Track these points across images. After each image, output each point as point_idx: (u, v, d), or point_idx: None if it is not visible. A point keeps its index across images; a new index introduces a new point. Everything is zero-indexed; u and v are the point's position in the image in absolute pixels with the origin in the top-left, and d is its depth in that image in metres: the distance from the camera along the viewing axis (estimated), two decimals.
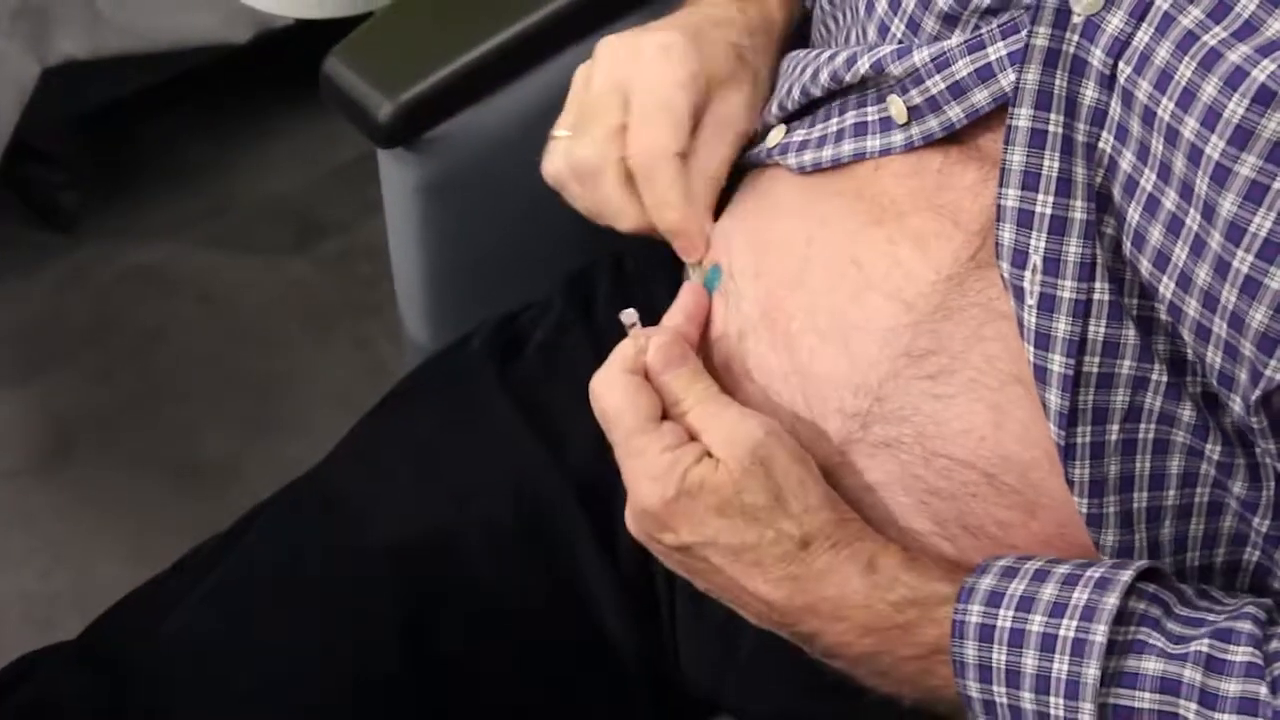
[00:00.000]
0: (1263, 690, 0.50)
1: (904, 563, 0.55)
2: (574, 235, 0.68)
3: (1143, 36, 0.51)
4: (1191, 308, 0.52)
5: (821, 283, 0.59)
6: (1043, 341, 0.54)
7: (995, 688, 0.52)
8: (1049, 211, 0.53)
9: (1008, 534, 0.57)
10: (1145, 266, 0.53)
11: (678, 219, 0.63)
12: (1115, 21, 0.52)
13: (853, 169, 0.60)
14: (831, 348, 0.58)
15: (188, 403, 1.30)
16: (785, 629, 0.57)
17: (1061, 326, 0.53)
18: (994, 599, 0.53)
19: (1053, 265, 0.53)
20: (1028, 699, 0.52)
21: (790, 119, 0.65)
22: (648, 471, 0.56)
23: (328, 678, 0.65)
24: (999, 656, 0.52)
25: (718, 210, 0.65)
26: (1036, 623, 0.52)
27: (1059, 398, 0.54)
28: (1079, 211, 0.53)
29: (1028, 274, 0.54)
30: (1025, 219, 0.54)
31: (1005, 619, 0.52)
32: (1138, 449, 0.55)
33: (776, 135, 0.64)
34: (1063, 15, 0.52)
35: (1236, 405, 0.52)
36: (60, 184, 1.38)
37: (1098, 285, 0.53)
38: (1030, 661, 0.52)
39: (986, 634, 0.53)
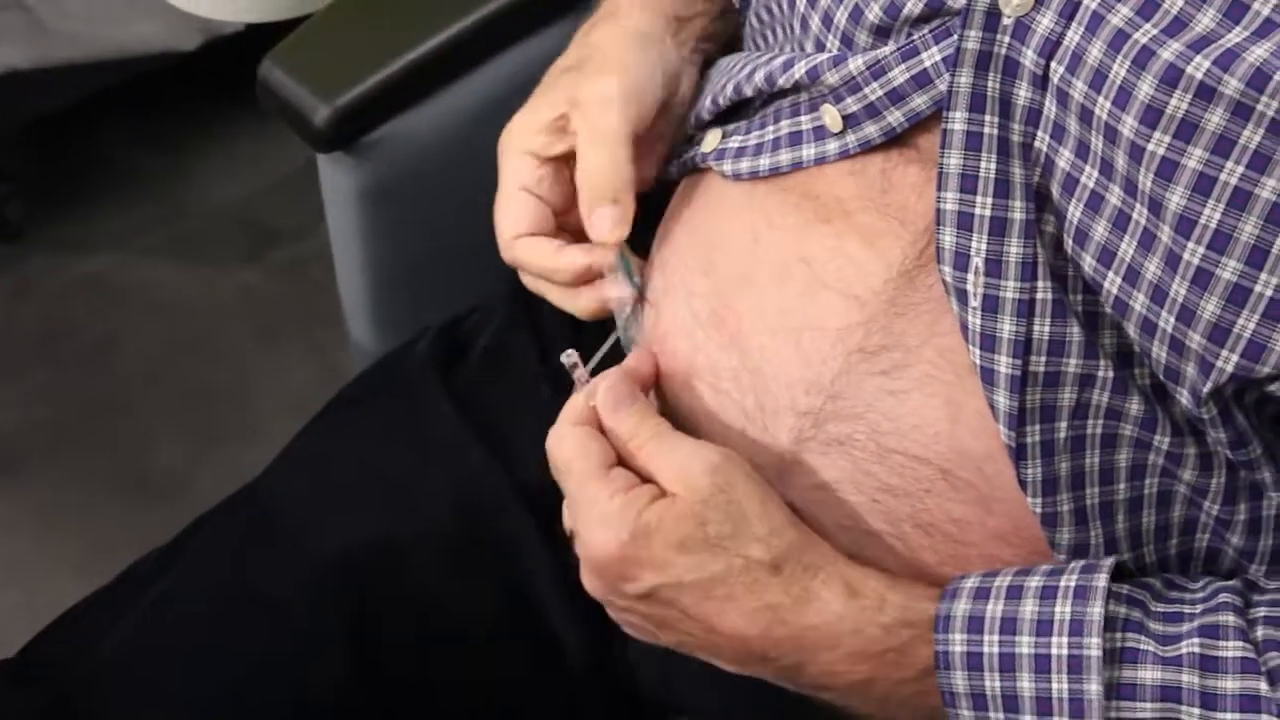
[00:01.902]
0: (1263, 686, 0.50)
1: (887, 583, 0.55)
2: None
3: (1073, 36, 0.51)
4: (1139, 302, 0.52)
5: (771, 281, 0.59)
6: (988, 343, 0.54)
7: (992, 714, 0.52)
8: (989, 213, 0.53)
9: (963, 531, 0.57)
10: (1089, 263, 0.53)
11: (568, 276, 0.63)
12: (1045, 22, 0.52)
13: (793, 171, 0.60)
14: (783, 346, 0.58)
15: (139, 414, 1.29)
16: (768, 667, 0.55)
17: (1006, 327, 0.53)
18: (974, 625, 0.53)
19: (995, 266, 0.53)
20: None
21: (724, 119, 0.65)
22: (600, 518, 0.55)
23: (272, 692, 0.64)
24: (992, 684, 0.52)
25: (658, 212, 0.65)
26: (1025, 644, 0.52)
27: (1007, 399, 0.53)
28: (1018, 212, 0.53)
29: (970, 276, 0.54)
30: (965, 221, 0.54)
31: (991, 644, 0.52)
32: (1086, 445, 0.55)
33: (712, 140, 0.64)
34: (992, 18, 0.52)
35: (1184, 398, 0.53)
36: (4, 195, 1.37)
37: (1040, 284, 0.53)
38: (1027, 685, 0.51)
39: (975, 662, 0.52)
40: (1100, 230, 0.52)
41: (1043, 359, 0.53)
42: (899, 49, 0.56)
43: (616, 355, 0.63)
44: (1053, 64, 0.52)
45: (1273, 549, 0.57)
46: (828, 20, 0.58)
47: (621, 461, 0.57)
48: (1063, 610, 0.52)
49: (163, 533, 0.71)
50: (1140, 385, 0.54)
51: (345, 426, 0.72)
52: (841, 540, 0.58)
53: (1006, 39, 0.52)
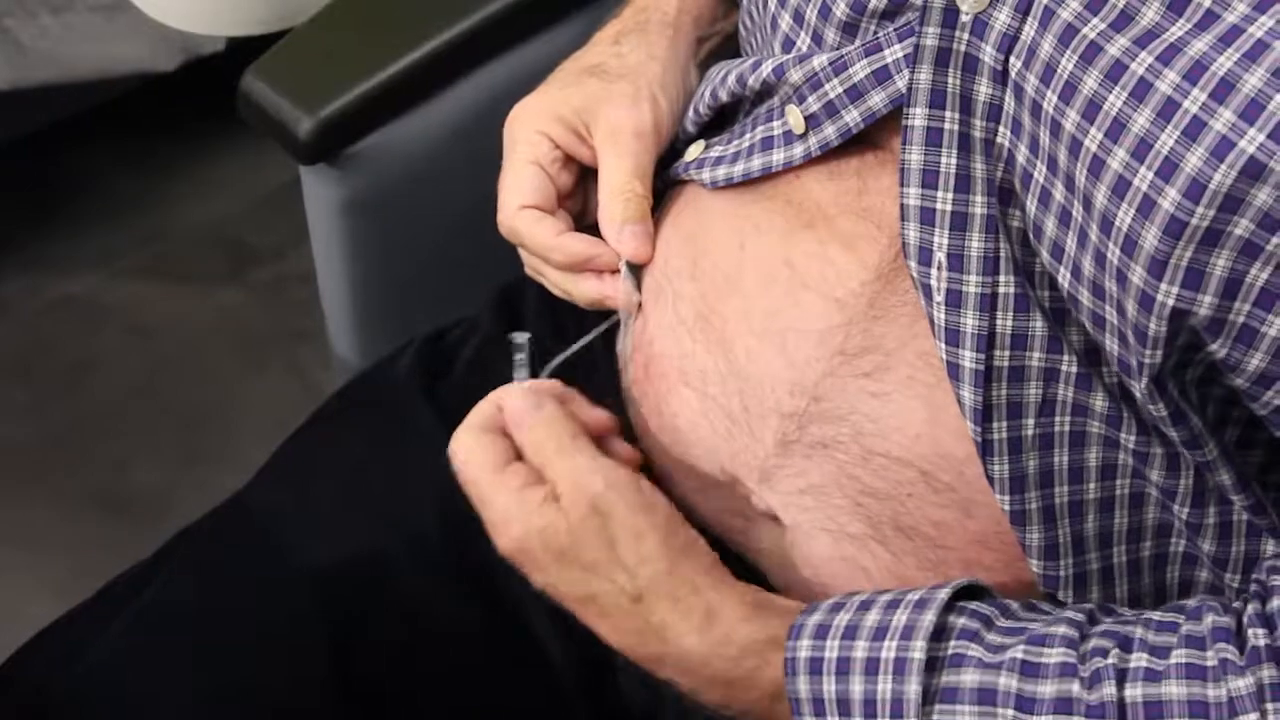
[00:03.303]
0: (1075, 686, 0.50)
1: (743, 616, 0.55)
2: (501, 249, 0.68)
3: (1029, 31, 0.52)
4: (1085, 297, 0.52)
5: (756, 284, 0.59)
6: (953, 338, 0.54)
7: (829, 719, 0.53)
8: (949, 208, 0.54)
9: (943, 534, 0.57)
10: (1045, 258, 0.53)
11: (563, 259, 0.64)
12: (1002, 18, 0.52)
13: (775, 177, 0.60)
14: (768, 348, 0.58)
15: (118, 436, 1.28)
16: (655, 671, 0.57)
17: (969, 322, 0.54)
18: (821, 631, 0.53)
19: (957, 261, 0.54)
20: None
21: (706, 130, 0.65)
22: (501, 515, 0.57)
23: (255, 707, 0.64)
24: (829, 687, 0.53)
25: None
26: (860, 648, 0.52)
27: (972, 393, 0.54)
28: (979, 206, 0.54)
29: (934, 271, 0.54)
30: (928, 216, 0.54)
31: (832, 649, 0.53)
32: (1054, 443, 0.55)
33: (695, 150, 0.65)
34: (951, 14, 0.53)
35: (1138, 393, 0.53)
36: None
37: (1002, 279, 0.54)
38: (857, 687, 0.52)
39: (816, 666, 0.53)
40: (1050, 226, 0.53)
41: (1006, 353, 0.54)
42: (863, 45, 0.56)
43: (594, 358, 0.64)
44: (1011, 59, 0.52)
45: (1245, 555, 0.57)
46: (798, 17, 0.59)
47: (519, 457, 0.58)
48: (900, 618, 0.52)
49: (142, 554, 0.71)
50: (1107, 382, 0.54)
51: (329, 439, 0.72)
52: (824, 543, 0.58)
53: (966, 35, 0.53)
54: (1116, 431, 0.55)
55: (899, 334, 0.56)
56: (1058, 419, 0.55)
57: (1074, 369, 0.54)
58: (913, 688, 0.51)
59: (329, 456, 0.71)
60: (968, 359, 0.54)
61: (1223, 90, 0.47)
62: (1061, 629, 0.52)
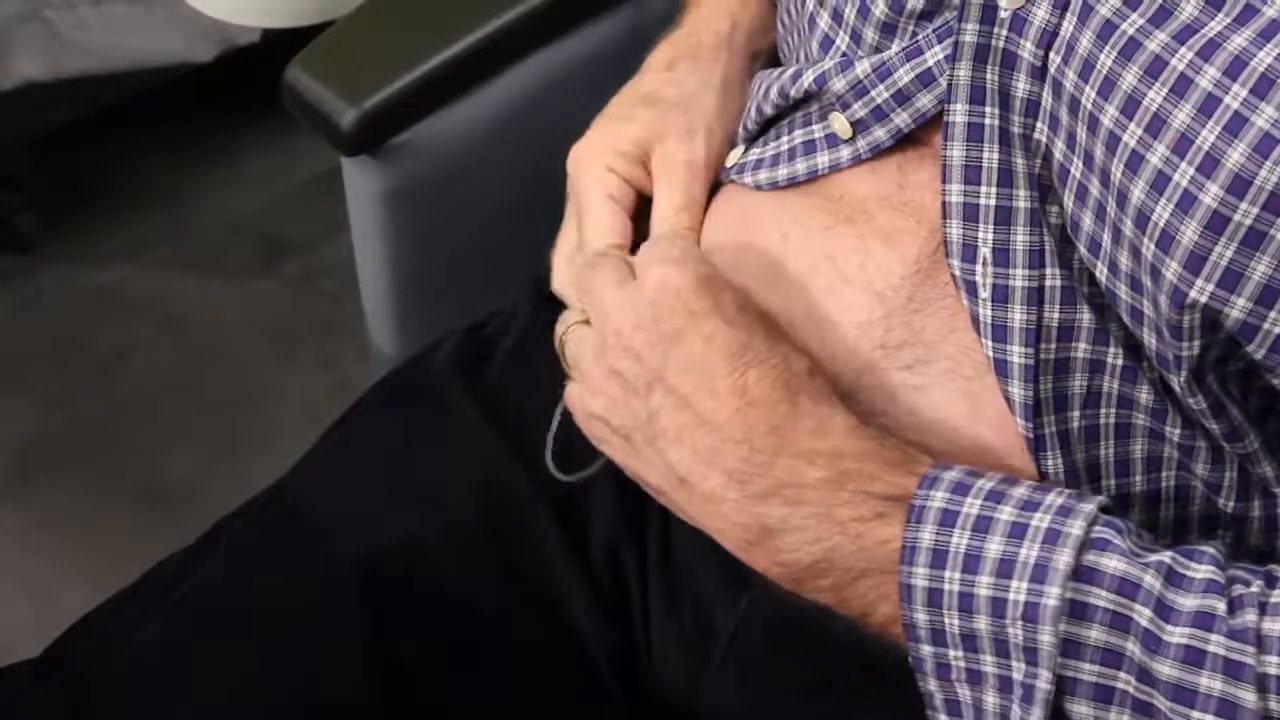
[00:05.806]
0: (1221, 606, 0.49)
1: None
2: (541, 240, 0.68)
3: (1068, 27, 0.52)
4: (1123, 292, 0.52)
5: (796, 278, 0.59)
6: (1000, 334, 0.54)
7: (948, 573, 0.50)
8: (993, 203, 0.54)
9: None
10: (1083, 253, 0.53)
11: None
12: (1041, 14, 0.52)
13: (812, 179, 0.61)
14: (809, 341, 0.58)
15: (151, 426, 1.29)
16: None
17: (1017, 316, 0.54)
18: (960, 489, 0.51)
19: (1002, 255, 0.54)
20: (985, 583, 0.49)
21: (752, 140, 0.66)
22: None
23: (294, 693, 0.64)
24: (959, 540, 0.50)
25: None
26: (1007, 513, 0.50)
27: (1021, 389, 0.54)
28: (1023, 200, 0.54)
29: (978, 267, 0.54)
30: (971, 212, 0.54)
31: (972, 506, 0.50)
32: (1100, 435, 0.55)
33: (735, 155, 0.65)
34: (989, 10, 0.53)
35: (1177, 386, 0.53)
36: (17, 206, 1.37)
37: (1048, 271, 0.54)
38: (995, 546, 0.49)
39: (949, 519, 0.50)
40: (1087, 221, 0.53)
41: (1053, 345, 0.54)
42: (903, 49, 0.56)
43: None
44: (1050, 54, 0.52)
45: None
46: (837, 16, 0.59)
47: None
48: (1053, 499, 0.50)
49: (175, 544, 0.71)
50: (1150, 377, 0.54)
51: (370, 428, 0.72)
52: None
53: (1004, 32, 0.53)
54: (1161, 424, 0.55)
55: (938, 327, 0.56)
56: (1103, 411, 0.55)
57: (1119, 361, 0.54)
58: (1064, 558, 0.48)
59: (369, 447, 0.71)
60: (1016, 354, 0.54)
61: (1263, 86, 0.47)
62: (1210, 549, 0.50)
